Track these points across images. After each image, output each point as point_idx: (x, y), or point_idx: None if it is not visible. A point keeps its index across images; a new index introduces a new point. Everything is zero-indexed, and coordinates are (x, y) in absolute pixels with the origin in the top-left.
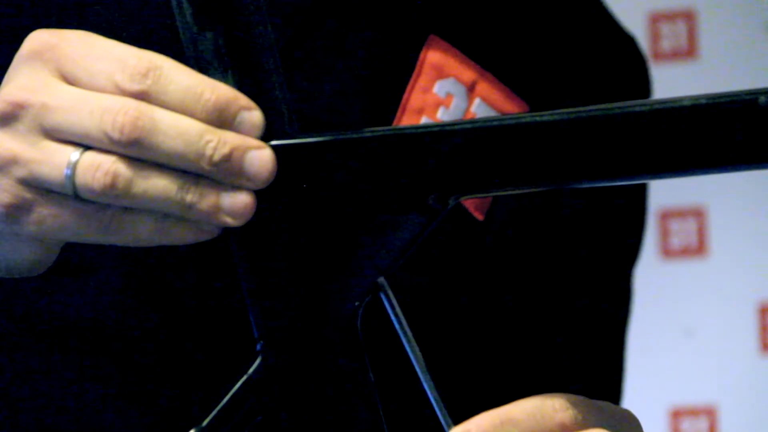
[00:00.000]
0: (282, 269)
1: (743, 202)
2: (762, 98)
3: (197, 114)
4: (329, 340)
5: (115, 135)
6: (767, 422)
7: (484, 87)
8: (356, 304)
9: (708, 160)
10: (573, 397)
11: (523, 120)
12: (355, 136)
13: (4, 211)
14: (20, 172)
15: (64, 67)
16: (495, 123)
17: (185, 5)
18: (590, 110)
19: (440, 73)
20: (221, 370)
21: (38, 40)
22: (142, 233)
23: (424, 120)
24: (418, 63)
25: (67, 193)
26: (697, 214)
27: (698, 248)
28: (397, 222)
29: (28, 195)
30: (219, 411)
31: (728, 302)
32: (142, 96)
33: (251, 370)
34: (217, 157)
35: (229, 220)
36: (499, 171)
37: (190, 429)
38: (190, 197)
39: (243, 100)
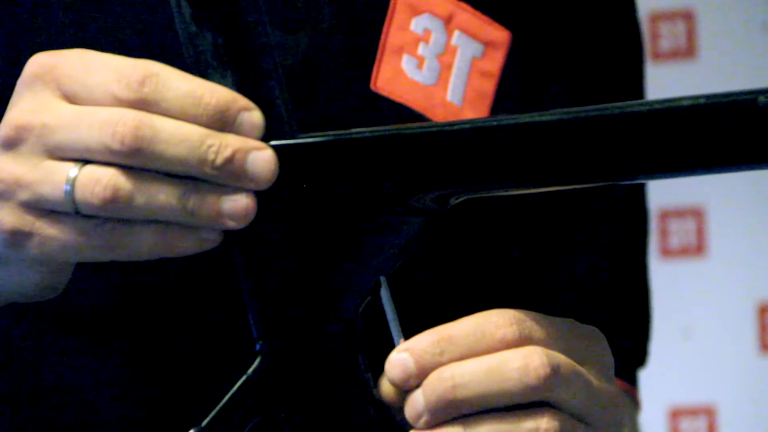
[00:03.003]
0: (281, 269)
1: (742, 202)
2: (761, 98)
3: (198, 118)
4: (329, 340)
5: (116, 146)
6: (766, 422)
7: (461, 18)
8: (356, 304)
9: (707, 160)
10: (521, 313)
11: (523, 120)
12: (355, 135)
13: (9, 237)
14: (23, 195)
15: (64, 86)
16: (495, 123)
17: (184, 5)
18: (590, 110)
19: (414, 10)
20: (221, 369)
21: (37, 63)
22: (144, 247)
23: (405, 58)
24: (391, 2)
25: (68, 211)
26: (697, 214)
27: (697, 248)
28: (397, 222)
29: (30, 218)
30: (218, 411)
31: (727, 302)
32: (141, 104)
33: (251, 370)
34: (219, 161)
35: (231, 223)
36: (499, 170)
37: (189, 429)
38: (191, 203)
39: (242, 101)
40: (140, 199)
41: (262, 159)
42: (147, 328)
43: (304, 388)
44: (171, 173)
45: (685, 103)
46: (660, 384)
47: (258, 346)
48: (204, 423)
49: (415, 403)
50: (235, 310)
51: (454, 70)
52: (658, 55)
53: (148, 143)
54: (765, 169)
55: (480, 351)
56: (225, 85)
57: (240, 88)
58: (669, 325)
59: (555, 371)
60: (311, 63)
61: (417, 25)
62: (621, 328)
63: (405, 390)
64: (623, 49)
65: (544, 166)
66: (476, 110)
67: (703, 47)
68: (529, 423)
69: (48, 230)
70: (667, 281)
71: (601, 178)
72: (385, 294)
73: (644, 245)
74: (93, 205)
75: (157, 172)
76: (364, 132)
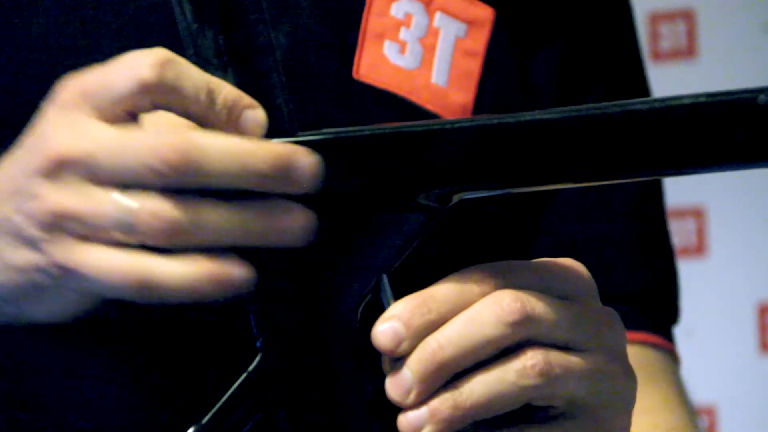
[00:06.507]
0: (282, 268)
1: (743, 202)
2: (761, 97)
3: (208, 112)
4: (329, 339)
5: (165, 169)
6: (767, 422)
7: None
8: (356, 303)
9: (707, 159)
10: (499, 264)
11: (523, 118)
12: (354, 134)
13: (57, 270)
14: (73, 225)
15: (95, 104)
16: (495, 121)
17: (185, 3)
18: (589, 109)
19: None
20: (221, 367)
21: (66, 89)
22: (183, 283)
23: (387, 44)
24: None
25: (121, 241)
26: (697, 214)
27: (697, 248)
28: (397, 221)
29: (80, 248)
30: (218, 409)
31: (728, 302)
32: (161, 89)
33: (251, 368)
34: (268, 170)
35: (292, 239)
36: (498, 169)
37: (189, 427)
38: (248, 221)
39: (247, 98)
40: (199, 223)
41: (306, 163)
42: (146, 326)
43: (303, 387)
44: (218, 192)
45: (685, 101)
46: None
47: (258, 344)
48: (204, 421)
49: (402, 379)
50: (235, 307)
51: (438, 52)
52: (658, 55)
53: (197, 164)
54: (765, 168)
55: (464, 306)
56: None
57: (241, 86)
58: None
59: (526, 303)
60: (292, 55)
61: (397, 9)
62: (651, 285)
63: (392, 366)
64: (610, 15)
65: (545, 165)
66: (462, 90)
67: (703, 47)
68: (515, 364)
69: (95, 261)
70: None
71: (601, 177)
72: (385, 292)
73: (660, 203)
74: (151, 234)
75: (204, 193)
76: (365, 130)
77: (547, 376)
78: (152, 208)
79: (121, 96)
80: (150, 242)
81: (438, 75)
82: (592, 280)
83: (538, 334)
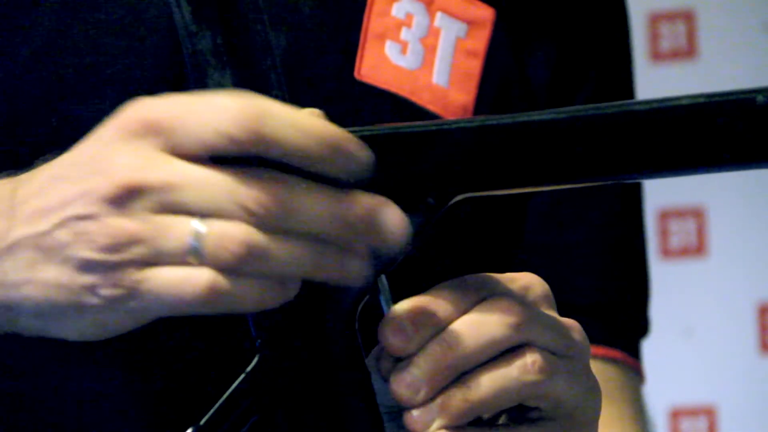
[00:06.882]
0: None
1: (742, 202)
2: (760, 97)
3: (310, 152)
4: (327, 340)
5: (253, 207)
6: (767, 422)
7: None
8: (355, 303)
9: (706, 160)
10: (485, 276)
11: (523, 119)
12: (354, 134)
13: (115, 292)
14: (139, 250)
15: (169, 139)
16: (493, 122)
17: (183, 4)
18: (589, 109)
19: None
20: (219, 368)
21: (134, 118)
22: (248, 303)
23: (388, 44)
24: None
25: (189, 264)
26: (697, 214)
27: (697, 248)
28: None
29: (143, 273)
30: (217, 409)
31: (728, 302)
32: (259, 143)
33: (249, 368)
34: (354, 220)
35: (353, 281)
36: (497, 169)
37: (187, 427)
38: (322, 260)
39: (353, 138)
40: (274, 254)
41: (393, 219)
42: (145, 326)
43: (302, 387)
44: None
45: (684, 102)
46: (660, 384)
47: (257, 345)
48: (202, 421)
49: (410, 378)
50: None
51: (439, 52)
52: (658, 55)
53: (286, 209)
54: (764, 168)
55: (466, 309)
56: (224, 83)
57: (239, 86)
58: (669, 325)
59: (524, 308)
60: (293, 55)
61: (398, 9)
62: (619, 298)
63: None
64: (607, 14)
65: (544, 165)
66: (463, 90)
67: (703, 47)
68: (518, 361)
69: (156, 284)
70: (668, 281)
71: (600, 177)
72: (384, 293)
73: (639, 217)
74: (223, 259)
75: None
76: (363, 130)
77: (545, 374)
78: (225, 229)
79: (200, 143)
80: (218, 264)
81: (439, 75)
82: (550, 292)
83: (533, 339)
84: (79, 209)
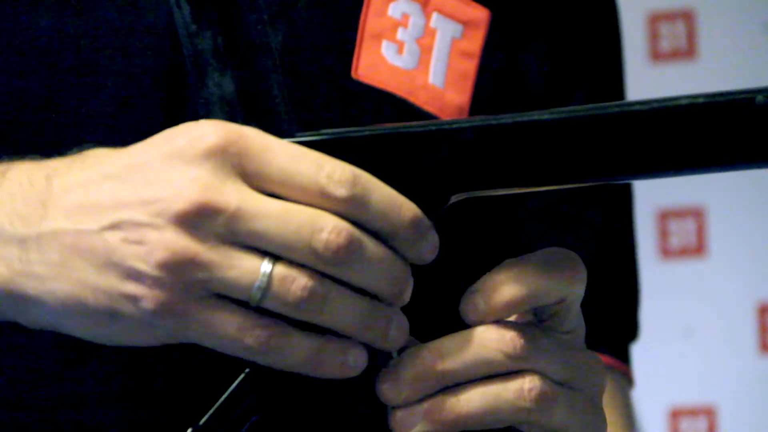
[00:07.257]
0: None
1: (742, 202)
2: (759, 97)
3: (396, 229)
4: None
5: (323, 251)
6: (767, 422)
7: (439, 0)
8: None
9: (706, 159)
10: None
11: (522, 119)
12: (353, 134)
13: (162, 311)
14: (199, 274)
15: (248, 166)
16: (493, 122)
17: (183, 4)
18: (588, 109)
19: None
20: (218, 368)
21: (217, 134)
22: (293, 360)
23: (384, 44)
24: None
25: (246, 301)
26: (696, 214)
27: (697, 248)
28: None
29: (204, 301)
30: (216, 409)
31: (727, 302)
32: (350, 205)
33: (249, 368)
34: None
35: (390, 347)
36: (497, 169)
37: (187, 428)
38: (370, 320)
39: (427, 221)
40: (332, 305)
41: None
42: None
43: (301, 387)
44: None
45: (683, 102)
46: (660, 384)
47: None
48: (201, 422)
49: (394, 377)
50: None
51: (435, 53)
52: (658, 55)
53: (355, 258)
54: (764, 168)
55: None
56: (224, 83)
57: (239, 86)
58: (669, 325)
59: (527, 338)
60: (291, 56)
61: (394, 10)
62: (609, 303)
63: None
64: (600, 15)
65: (543, 165)
66: (459, 91)
67: (703, 47)
68: (514, 384)
69: (207, 315)
70: (667, 281)
71: (600, 177)
72: None
73: (629, 221)
74: (286, 302)
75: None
76: (363, 131)
77: (542, 403)
78: (292, 272)
79: (294, 186)
80: (276, 309)
81: (435, 75)
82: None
83: (537, 368)
84: (139, 216)
